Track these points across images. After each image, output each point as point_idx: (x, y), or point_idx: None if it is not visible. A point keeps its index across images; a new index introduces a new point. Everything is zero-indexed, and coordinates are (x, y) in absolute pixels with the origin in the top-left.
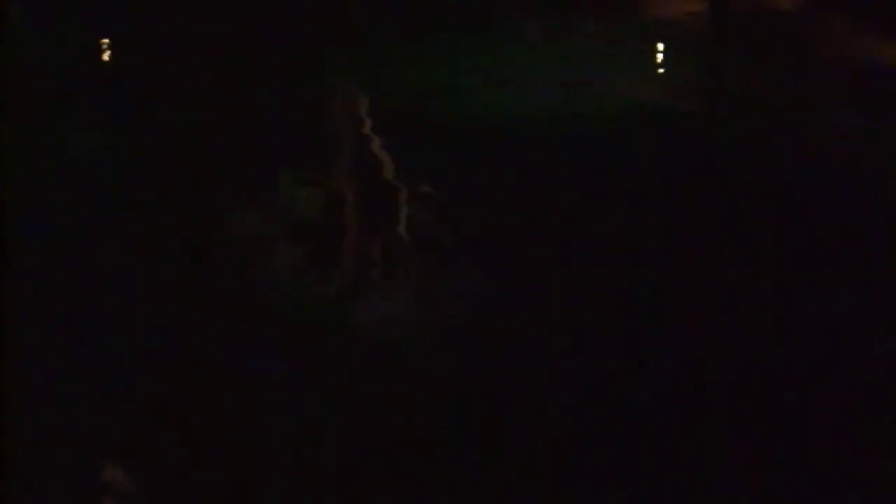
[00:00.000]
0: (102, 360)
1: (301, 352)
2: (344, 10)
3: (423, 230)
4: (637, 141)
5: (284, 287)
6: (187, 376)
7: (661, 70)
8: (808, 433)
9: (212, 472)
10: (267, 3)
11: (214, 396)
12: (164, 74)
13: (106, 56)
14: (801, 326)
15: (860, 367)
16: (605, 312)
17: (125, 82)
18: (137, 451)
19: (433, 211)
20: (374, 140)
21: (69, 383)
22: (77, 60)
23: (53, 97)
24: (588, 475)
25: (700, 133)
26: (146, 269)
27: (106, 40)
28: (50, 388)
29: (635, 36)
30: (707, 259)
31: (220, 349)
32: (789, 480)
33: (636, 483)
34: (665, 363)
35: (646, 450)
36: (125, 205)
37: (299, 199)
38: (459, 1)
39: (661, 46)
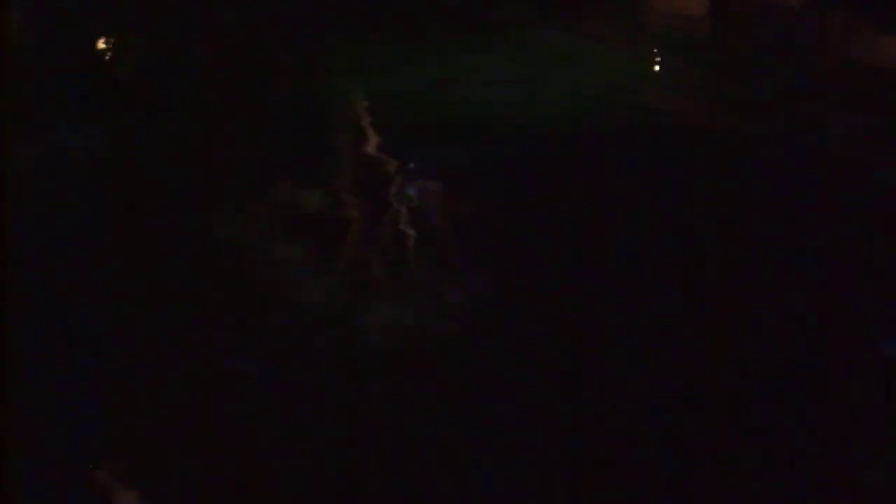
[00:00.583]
0: (102, 360)
1: (302, 352)
2: (344, 10)
3: (424, 230)
4: (637, 141)
5: (285, 287)
6: (187, 377)
7: (661, 70)
8: (809, 433)
9: (212, 472)
10: (267, 2)
11: (215, 397)
12: (163, 74)
13: (106, 56)
14: (800, 326)
15: (860, 367)
16: (607, 313)
17: (125, 82)
18: (137, 452)
19: (434, 210)
20: (374, 140)
21: (69, 383)
22: (77, 60)
23: (53, 97)
24: (591, 475)
25: (700, 133)
26: (146, 269)
27: (106, 40)
28: (50, 387)
29: (635, 36)
30: (707, 259)
31: (221, 349)
32: (789, 480)
33: (638, 483)
34: (666, 363)
35: (648, 450)
36: (125, 205)
37: (300, 199)
38: (459, 1)
39: (660, 46)
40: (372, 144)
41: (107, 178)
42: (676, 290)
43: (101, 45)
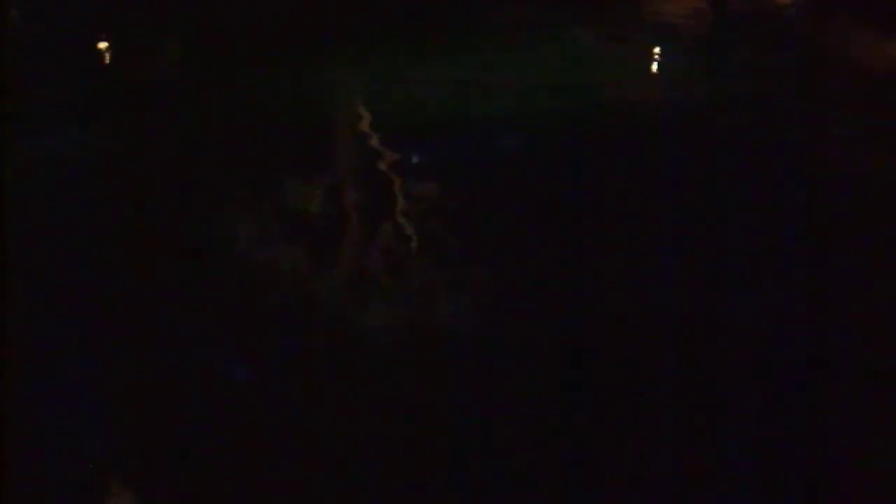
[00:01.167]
0: (101, 360)
1: (302, 351)
2: (345, 10)
3: (424, 229)
4: (637, 141)
5: (285, 287)
6: (187, 376)
7: (661, 70)
8: (809, 433)
9: (211, 472)
10: (267, 2)
11: (215, 397)
12: (163, 74)
13: (105, 56)
14: (801, 326)
15: (861, 366)
16: (606, 311)
17: (125, 82)
18: (137, 452)
19: (434, 210)
20: (374, 139)
21: (69, 383)
22: (76, 60)
23: (53, 97)
24: (591, 475)
25: (700, 133)
26: (146, 269)
27: (106, 40)
28: (49, 388)
29: (635, 36)
30: (707, 258)
31: (221, 349)
32: (789, 480)
33: (638, 483)
34: (665, 362)
35: (649, 450)
36: (125, 204)
37: (300, 199)
38: (460, 1)
39: (660, 46)
40: (372, 144)
41: (107, 179)
42: (676, 288)
43: (101, 45)
